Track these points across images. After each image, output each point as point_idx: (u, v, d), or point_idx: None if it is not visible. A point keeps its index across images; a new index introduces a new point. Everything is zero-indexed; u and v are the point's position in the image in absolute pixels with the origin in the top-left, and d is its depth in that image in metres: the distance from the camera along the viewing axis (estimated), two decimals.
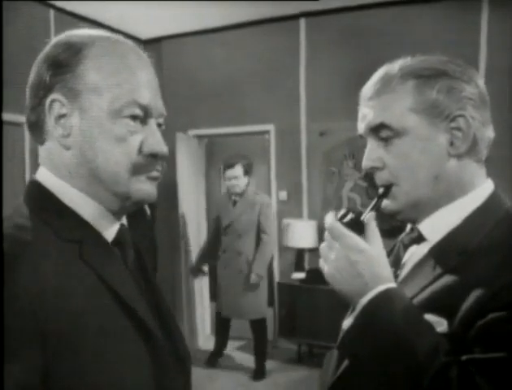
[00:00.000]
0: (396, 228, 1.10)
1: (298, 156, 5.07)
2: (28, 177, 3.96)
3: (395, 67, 0.96)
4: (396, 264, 1.02)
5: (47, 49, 0.85)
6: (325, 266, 0.92)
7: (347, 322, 0.90)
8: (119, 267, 0.87)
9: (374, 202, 0.97)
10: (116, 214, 0.88)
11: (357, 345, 0.87)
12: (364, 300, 0.86)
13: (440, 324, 0.83)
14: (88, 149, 0.81)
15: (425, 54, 0.97)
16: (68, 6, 4.39)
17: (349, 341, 0.89)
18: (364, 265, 0.87)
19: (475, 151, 0.93)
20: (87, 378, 0.73)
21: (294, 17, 4.89)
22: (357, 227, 0.92)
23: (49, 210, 0.82)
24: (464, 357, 0.78)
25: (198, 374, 4.45)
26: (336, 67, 4.38)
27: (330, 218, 0.92)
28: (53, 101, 0.81)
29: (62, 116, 0.82)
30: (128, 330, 0.80)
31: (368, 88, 0.97)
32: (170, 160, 5.22)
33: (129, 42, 0.88)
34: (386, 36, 4.26)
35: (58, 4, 4.35)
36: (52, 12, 4.35)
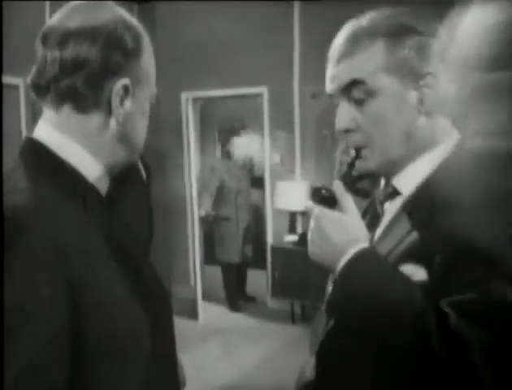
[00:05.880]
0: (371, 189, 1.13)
1: (291, 118, 5.05)
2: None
3: (362, 24, 0.94)
4: (374, 221, 1.04)
5: (106, 25, 0.86)
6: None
7: (330, 287, 0.93)
8: (119, 221, 0.97)
9: (345, 170, 0.98)
10: (109, 172, 0.95)
11: (340, 306, 0.90)
12: (340, 263, 0.89)
13: (419, 273, 0.85)
14: (131, 126, 0.92)
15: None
16: None
17: (333, 304, 0.93)
18: (330, 228, 0.91)
19: (442, 107, 0.94)
20: (109, 324, 0.80)
21: None
22: (331, 199, 0.94)
23: (50, 167, 0.85)
24: (444, 302, 0.79)
25: (191, 334, 4.54)
26: (330, 29, 4.31)
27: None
28: (124, 86, 0.87)
29: (125, 98, 0.88)
30: (131, 278, 0.88)
31: (336, 49, 0.96)
32: (169, 122, 5.08)
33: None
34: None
35: None
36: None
